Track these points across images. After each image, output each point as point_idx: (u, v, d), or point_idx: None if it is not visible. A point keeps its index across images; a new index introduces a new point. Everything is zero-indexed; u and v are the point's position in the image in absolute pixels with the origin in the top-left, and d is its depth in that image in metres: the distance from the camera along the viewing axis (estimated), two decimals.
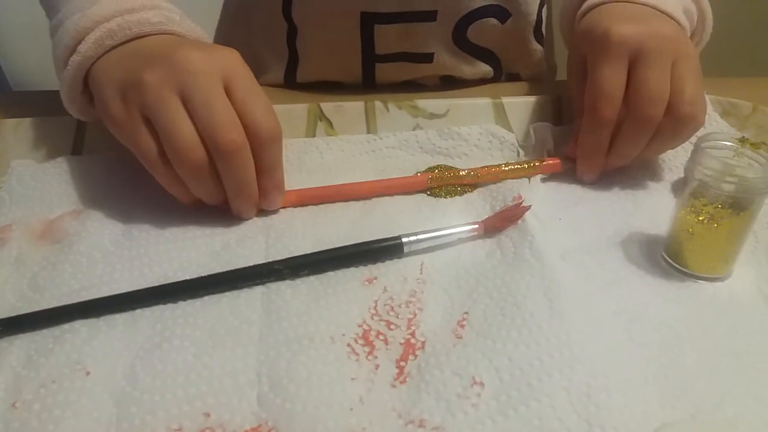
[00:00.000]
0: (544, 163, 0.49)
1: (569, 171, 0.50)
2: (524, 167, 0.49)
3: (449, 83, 0.65)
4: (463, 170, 0.48)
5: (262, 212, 0.44)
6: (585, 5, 0.52)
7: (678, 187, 0.49)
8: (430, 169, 0.49)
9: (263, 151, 0.41)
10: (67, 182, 0.47)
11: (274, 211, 0.44)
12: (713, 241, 0.39)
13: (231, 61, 0.41)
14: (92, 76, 0.43)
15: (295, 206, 0.45)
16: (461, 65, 0.63)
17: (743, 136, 0.39)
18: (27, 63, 1.17)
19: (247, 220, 0.44)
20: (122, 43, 0.43)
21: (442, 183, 0.48)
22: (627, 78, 0.46)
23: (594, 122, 0.46)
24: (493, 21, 0.62)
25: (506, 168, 0.48)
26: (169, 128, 0.39)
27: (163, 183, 0.42)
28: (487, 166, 0.49)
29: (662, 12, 0.49)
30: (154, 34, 0.43)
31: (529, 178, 0.48)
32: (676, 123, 0.45)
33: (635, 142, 0.46)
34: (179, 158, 0.39)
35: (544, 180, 0.49)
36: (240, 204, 0.43)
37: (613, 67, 0.45)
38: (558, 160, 0.49)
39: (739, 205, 0.38)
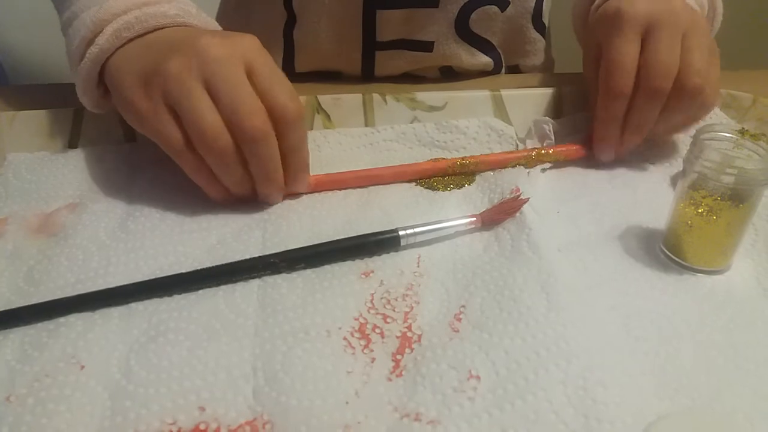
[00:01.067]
0: (569, 148, 0.50)
1: (570, 164, 0.50)
2: (549, 153, 0.49)
3: (449, 75, 0.65)
4: (485, 156, 0.48)
5: (258, 206, 0.44)
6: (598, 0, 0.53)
7: (678, 180, 0.48)
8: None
9: (289, 132, 0.41)
10: (63, 175, 0.47)
11: (270, 205, 0.44)
12: (712, 233, 0.39)
13: (252, 46, 0.41)
14: (109, 69, 0.43)
15: (313, 191, 0.46)
16: (461, 55, 0.63)
17: (743, 128, 0.39)
18: (25, 56, 1.17)
19: (249, 212, 0.44)
20: (139, 36, 0.43)
21: (465, 170, 0.48)
22: (640, 52, 0.47)
23: (608, 94, 0.47)
24: (494, 9, 0.61)
25: (534, 154, 0.49)
26: (194, 115, 0.39)
27: (189, 173, 0.42)
28: (515, 151, 0.49)
29: None
30: (171, 27, 0.43)
31: (528, 171, 0.48)
32: (682, 95, 0.46)
33: (646, 114, 0.47)
34: (206, 145, 0.39)
35: (543, 172, 0.49)
36: (267, 189, 0.43)
37: (625, 41, 0.47)
38: (579, 146, 0.50)
39: (738, 197, 0.37)
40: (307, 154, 0.44)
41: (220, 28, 0.47)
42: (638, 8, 0.47)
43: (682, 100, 0.46)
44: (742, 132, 0.39)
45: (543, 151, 0.49)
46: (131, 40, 0.42)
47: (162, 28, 0.43)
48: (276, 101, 0.40)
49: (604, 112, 0.48)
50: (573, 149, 0.50)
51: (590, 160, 0.50)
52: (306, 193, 0.46)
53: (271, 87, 0.40)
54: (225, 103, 0.39)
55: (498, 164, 0.48)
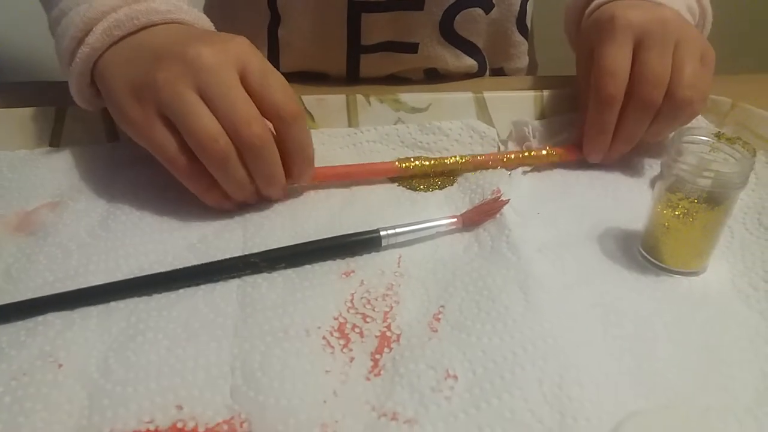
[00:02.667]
0: (564, 150, 0.50)
1: (551, 165, 0.50)
2: (543, 154, 0.50)
3: (433, 77, 0.65)
4: (483, 156, 0.49)
5: (239, 205, 0.44)
6: (593, 4, 0.53)
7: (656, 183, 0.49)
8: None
9: (288, 131, 0.41)
10: (44, 174, 0.46)
11: (252, 205, 0.44)
12: (689, 235, 0.39)
13: (243, 49, 0.41)
14: (100, 71, 0.42)
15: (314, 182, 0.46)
16: (446, 57, 0.64)
17: (719, 132, 0.39)
18: (6, 54, 1.16)
19: (228, 212, 0.43)
20: (131, 33, 0.42)
21: (465, 168, 0.48)
22: (632, 61, 0.47)
23: (600, 101, 0.47)
24: (479, 11, 0.62)
25: (528, 155, 0.49)
26: (190, 121, 0.38)
27: (185, 181, 0.41)
28: (513, 152, 0.50)
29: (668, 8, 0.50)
30: (162, 24, 0.43)
31: (510, 173, 0.49)
32: (673, 106, 0.46)
33: (637, 125, 0.47)
34: (204, 149, 0.39)
35: (524, 174, 0.49)
36: (268, 190, 0.43)
37: (617, 49, 0.47)
38: (572, 147, 0.51)
39: (714, 200, 0.38)
40: (312, 150, 0.43)
41: (211, 23, 0.47)
42: (631, 17, 0.47)
43: (671, 111, 0.46)
44: (719, 135, 0.39)
45: (544, 152, 0.50)
46: (122, 38, 0.42)
47: (153, 26, 0.42)
48: (272, 102, 0.40)
49: (595, 119, 0.48)
50: (571, 151, 0.51)
51: (574, 162, 0.51)
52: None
53: (266, 87, 0.40)
54: (221, 111, 0.39)
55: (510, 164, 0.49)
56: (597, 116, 0.48)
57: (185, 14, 0.44)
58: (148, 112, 0.40)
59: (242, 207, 0.44)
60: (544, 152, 0.50)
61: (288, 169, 0.43)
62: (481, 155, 0.49)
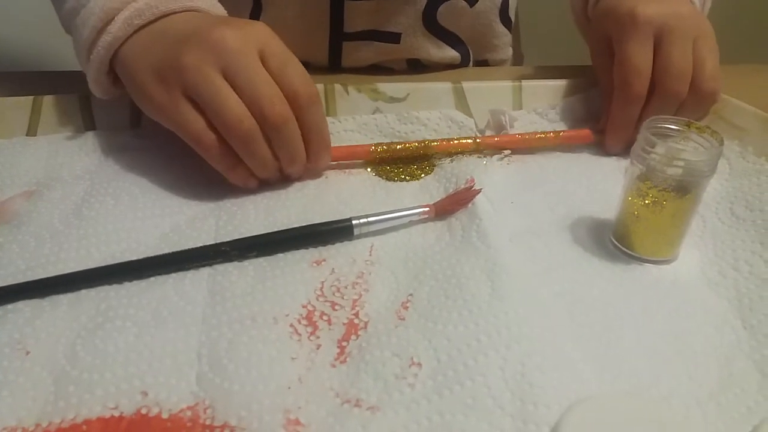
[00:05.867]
0: (575, 133, 0.51)
1: (528, 154, 0.50)
2: (552, 136, 0.51)
3: (416, 68, 0.65)
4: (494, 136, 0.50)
5: (213, 193, 0.44)
6: None
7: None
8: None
9: (306, 115, 0.42)
10: (20, 163, 0.46)
11: (225, 193, 0.44)
12: (658, 224, 0.39)
13: (263, 34, 0.42)
14: (120, 59, 0.43)
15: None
16: (428, 48, 0.64)
17: (689, 121, 0.39)
18: None
19: (251, 190, 0.45)
20: (150, 22, 0.43)
21: (476, 148, 0.49)
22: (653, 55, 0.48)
23: (626, 98, 0.49)
24: (463, 3, 0.62)
25: (537, 136, 0.50)
26: (217, 103, 0.40)
27: (212, 160, 0.42)
28: (519, 134, 0.51)
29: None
30: (181, 12, 0.44)
31: (485, 161, 0.49)
32: (698, 98, 0.48)
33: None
34: (231, 129, 0.40)
35: (499, 162, 0.49)
36: (292, 168, 0.44)
37: (641, 45, 0.48)
38: (589, 132, 0.52)
39: (683, 189, 0.38)
40: (328, 134, 0.45)
41: (224, 11, 0.48)
42: (651, 12, 0.48)
43: (696, 102, 0.49)
44: (688, 124, 0.39)
45: (552, 134, 0.51)
46: (142, 27, 0.43)
47: (172, 14, 0.44)
48: (290, 85, 0.41)
49: (620, 114, 0.50)
50: (582, 135, 0.52)
51: (552, 149, 0.51)
52: None
53: (285, 71, 0.42)
54: (245, 92, 0.40)
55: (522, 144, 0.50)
56: (622, 111, 0.49)
57: (201, 2, 0.45)
58: (174, 94, 0.41)
59: (263, 186, 0.45)
60: (556, 134, 0.51)
61: (307, 150, 0.44)
62: (459, 138, 0.50)
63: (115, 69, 0.44)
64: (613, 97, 0.50)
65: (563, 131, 0.52)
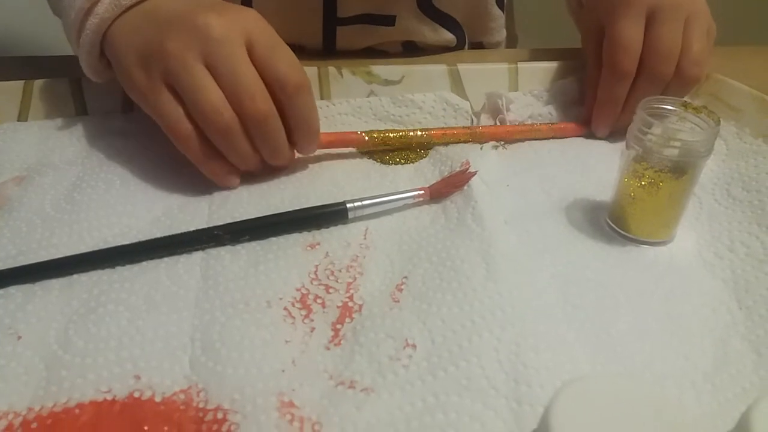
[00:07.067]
0: (566, 126, 0.51)
1: (522, 138, 0.50)
2: (544, 129, 0.50)
3: (411, 50, 0.65)
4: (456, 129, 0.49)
5: (205, 178, 0.43)
6: None
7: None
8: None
9: (293, 103, 0.41)
10: (11, 148, 0.46)
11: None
12: (654, 205, 0.39)
13: (251, 21, 0.41)
14: (109, 40, 0.42)
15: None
16: (424, 30, 0.63)
17: (685, 101, 0.39)
18: None
19: (196, 184, 0.43)
20: (139, 2, 0.42)
21: (468, 139, 0.49)
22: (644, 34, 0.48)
23: (613, 75, 0.48)
24: None
25: (531, 128, 0.50)
26: (195, 92, 0.39)
27: (186, 152, 0.41)
28: (519, 124, 0.50)
29: None
30: None
31: (481, 145, 0.48)
32: (680, 81, 0.48)
33: (647, 96, 0.47)
34: (209, 121, 0.39)
35: (495, 147, 0.49)
36: (274, 161, 0.43)
37: (632, 23, 0.47)
38: (575, 125, 0.51)
39: (679, 169, 0.38)
40: (316, 123, 0.44)
41: None
42: None
43: (678, 85, 0.48)
44: (685, 105, 0.39)
45: (536, 128, 0.50)
46: (130, 8, 0.42)
47: None
48: (276, 73, 0.40)
49: (607, 92, 0.49)
50: (573, 128, 0.51)
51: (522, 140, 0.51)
52: None
53: (272, 59, 0.40)
54: (227, 84, 0.39)
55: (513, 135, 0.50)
56: (609, 90, 0.49)
57: None
58: (155, 80, 0.40)
59: (199, 176, 0.43)
60: (547, 127, 0.50)
61: (293, 139, 0.43)
62: (453, 128, 0.49)
63: (105, 52, 0.44)
64: (600, 77, 0.49)
65: (554, 124, 0.51)
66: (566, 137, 0.51)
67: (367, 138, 0.47)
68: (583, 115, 0.52)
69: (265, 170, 0.44)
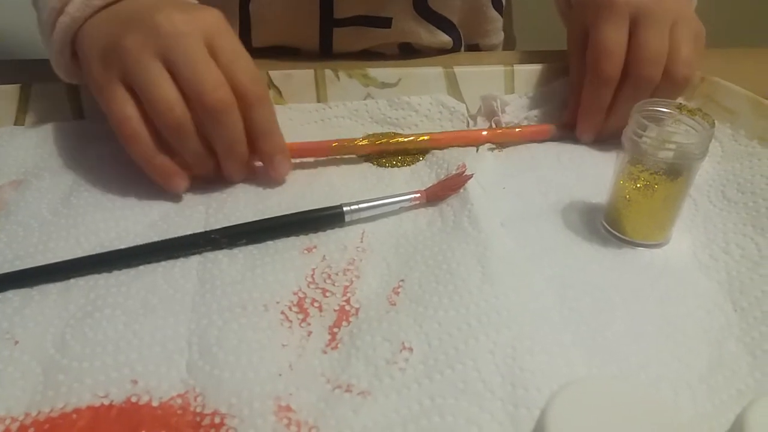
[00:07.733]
0: (531, 129, 0.50)
1: (521, 141, 0.50)
2: (509, 132, 0.50)
3: (408, 52, 0.65)
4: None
5: (202, 182, 0.44)
6: None
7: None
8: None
9: (253, 113, 0.41)
10: (8, 153, 0.46)
11: (215, 181, 0.44)
12: (650, 207, 0.39)
13: (213, 21, 0.41)
14: (79, 40, 0.42)
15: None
16: (420, 33, 0.63)
17: (680, 103, 0.39)
18: None
19: (193, 187, 0.43)
20: (110, 4, 0.42)
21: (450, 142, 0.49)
22: (628, 39, 0.47)
23: (596, 80, 0.48)
24: None
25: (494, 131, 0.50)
26: (148, 88, 0.38)
27: (131, 151, 0.41)
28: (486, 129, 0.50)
29: None
30: None
31: (477, 148, 0.48)
32: (671, 84, 0.47)
33: (634, 102, 0.47)
34: (160, 116, 0.39)
35: (491, 149, 0.49)
36: (230, 165, 0.42)
37: (615, 27, 0.47)
38: (546, 127, 0.50)
39: (674, 172, 0.38)
40: (281, 137, 0.43)
41: None
42: None
43: (669, 88, 0.47)
44: (680, 107, 0.39)
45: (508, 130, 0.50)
46: (101, 9, 0.42)
47: None
48: (236, 81, 0.40)
49: (591, 98, 0.48)
50: (538, 130, 0.51)
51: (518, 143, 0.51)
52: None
53: (232, 64, 0.40)
54: (185, 76, 0.39)
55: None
56: (593, 95, 0.48)
57: None
58: (111, 77, 0.40)
59: (195, 180, 0.43)
60: (512, 129, 0.50)
61: (257, 151, 0.43)
62: (448, 132, 0.49)
63: (77, 52, 0.43)
64: (583, 84, 0.49)
65: (522, 127, 0.51)
66: (534, 141, 0.50)
67: (335, 145, 0.47)
68: (564, 119, 0.51)
69: (218, 177, 0.43)
